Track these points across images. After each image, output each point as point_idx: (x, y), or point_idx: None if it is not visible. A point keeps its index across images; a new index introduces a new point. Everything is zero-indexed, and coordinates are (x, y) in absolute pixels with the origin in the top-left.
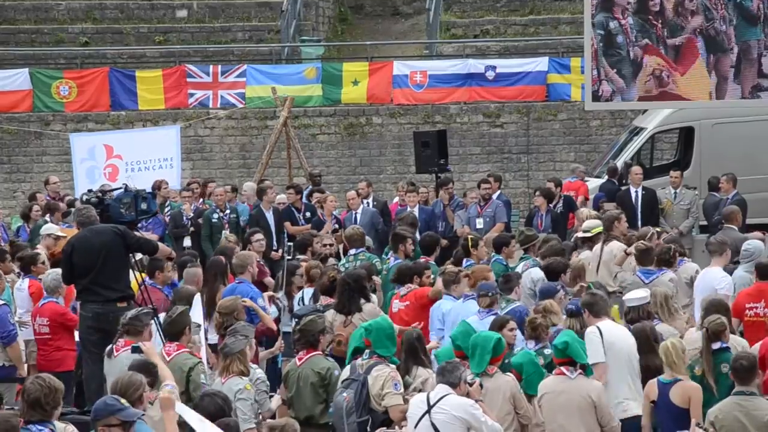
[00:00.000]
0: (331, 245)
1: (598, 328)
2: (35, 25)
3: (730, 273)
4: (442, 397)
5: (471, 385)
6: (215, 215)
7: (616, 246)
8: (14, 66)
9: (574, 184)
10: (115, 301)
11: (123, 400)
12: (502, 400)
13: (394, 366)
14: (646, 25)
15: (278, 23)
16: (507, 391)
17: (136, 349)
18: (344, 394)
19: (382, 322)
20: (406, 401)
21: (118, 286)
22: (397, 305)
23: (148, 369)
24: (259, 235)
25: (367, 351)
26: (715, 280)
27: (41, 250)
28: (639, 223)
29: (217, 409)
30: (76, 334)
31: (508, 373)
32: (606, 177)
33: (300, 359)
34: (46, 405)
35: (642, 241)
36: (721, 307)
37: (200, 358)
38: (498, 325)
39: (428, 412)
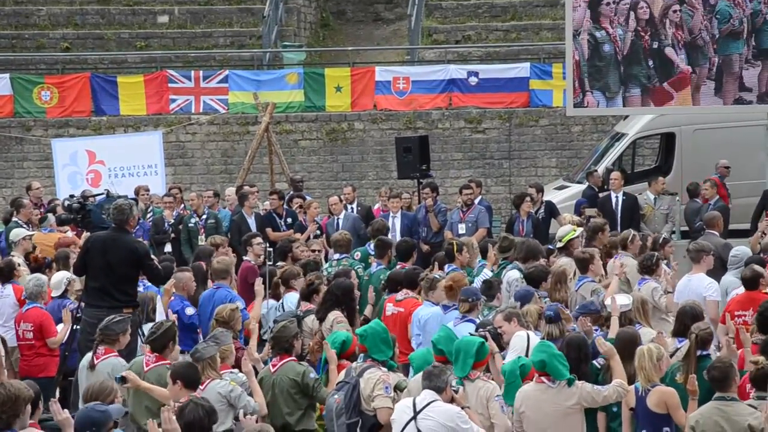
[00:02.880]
0: (319, 251)
1: (527, 334)
2: (16, 31)
3: (718, 279)
4: (429, 403)
5: (456, 391)
6: (193, 220)
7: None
8: None
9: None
10: (121, 307)
11: (102, 406)
12: (481, 406)
13: (386, 369)
14: (635, 35)
15: (260, 29)
16: (483, 396)
17: (121, 380)
18: (335, 396)
19: (377, 327)
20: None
21: (130, 290)
22: (391, 308)
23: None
24: (259, 239)
25: (361, 355)
26: (701, 287)
27: (17, 255)
28: (619, 228)
29: (196, 419)
30: (59, 329)
31: (491, 381)
32: (587, 183)
33: (274, 365)
34: (2, 413)
35: (581, 250)
36: (699, 314)
37: None
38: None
39: (414, 417)
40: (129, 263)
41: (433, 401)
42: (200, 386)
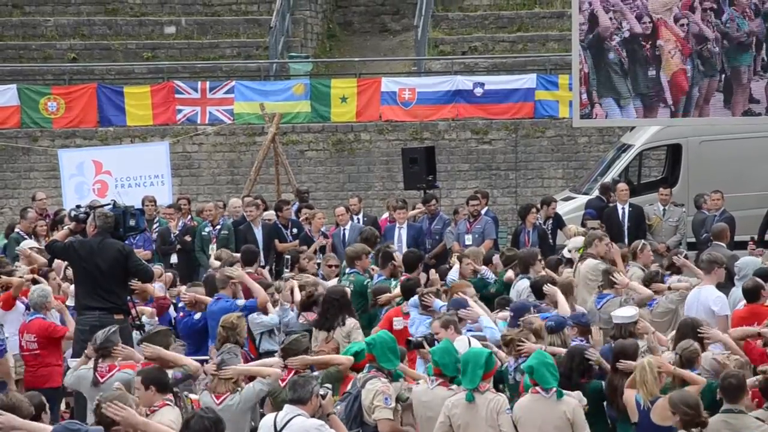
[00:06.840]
0: (337, 266)
1: (468, 339)
2: (23, 41)
3: (726, 291)
4: (289, 420)
5: (324, 397)
6: (207, 228)
7: (590, 264)
8: (2, 82)
9: None
10: (113, 312)
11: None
12: (490, 418)
13: (386, 380)
14: (636, 46)
15: (266, 40)
16: (493, 410)
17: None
18: (338, 407)
19: (385, 336)
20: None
21: (120, 293)
22: (401, 323)
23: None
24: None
25: (367, 365)
26: (710, 300)
27: (22, 267)
28: (626, 239)
29: (201, 430)
30: (64, 345)
31: (500, 394)
32: (596, 194)
33: (283, 380)
34: None
35: (609, 266)
36: (695, 328)
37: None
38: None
39: None
40: (117, 263)
41: (294, 416)
42: (215, 398)
